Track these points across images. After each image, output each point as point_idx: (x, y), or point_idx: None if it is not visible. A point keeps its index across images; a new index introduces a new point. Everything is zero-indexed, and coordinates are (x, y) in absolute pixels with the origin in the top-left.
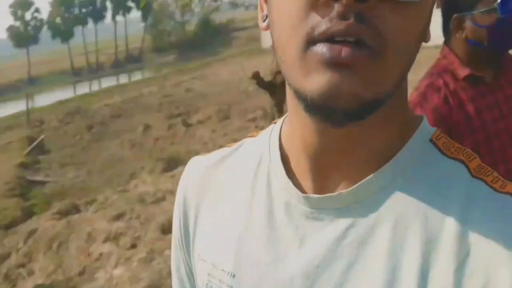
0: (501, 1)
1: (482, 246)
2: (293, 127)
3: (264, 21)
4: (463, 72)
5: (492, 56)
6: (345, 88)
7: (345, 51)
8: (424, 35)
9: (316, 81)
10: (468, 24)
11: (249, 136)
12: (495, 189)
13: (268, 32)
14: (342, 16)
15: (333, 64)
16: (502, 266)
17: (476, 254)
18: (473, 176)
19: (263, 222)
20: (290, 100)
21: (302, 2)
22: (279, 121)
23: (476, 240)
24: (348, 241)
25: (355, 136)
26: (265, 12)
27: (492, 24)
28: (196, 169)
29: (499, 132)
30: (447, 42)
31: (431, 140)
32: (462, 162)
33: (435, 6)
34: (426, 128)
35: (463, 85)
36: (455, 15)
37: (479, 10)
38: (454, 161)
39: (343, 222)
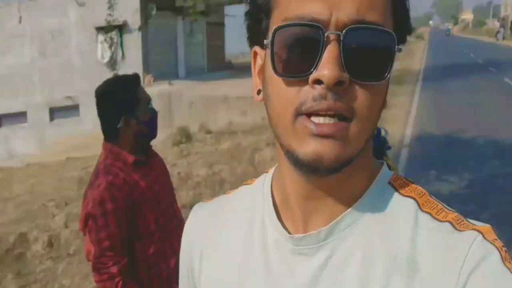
0: (150, 108)
1: (427, 264)
2: (283, 178)
3: (258, 94)
4: (130, 158)
5: (139, 147)
6: (327, 153)
7: (327, 127)
8: (384, 104)
9: (305, 148)
10: (133, 122)
11: (245, 184)
12: (438, 220)
13: None
14: (324, 97)
15: (318, 136)
16: (440, 281)
17: (422, 270)
18: (421, 210)
19: (260, 259)
20: (281, 156)
21: (291, 85)
22: (270, 171)
23: (422, 260)
24: (328, 270)
25: (333, 184)
26: (259, 87)
27: (148, 119)
28: (198, 216)
29: (163, 197)
30: (109, 140)
31: (389, 183)
32: (413, 198)
33: None
34: (385, 173)
35: (133, 168)
36: (123, 117)
37: (140, 111)
38: (407, 198)
39: (323, 254)
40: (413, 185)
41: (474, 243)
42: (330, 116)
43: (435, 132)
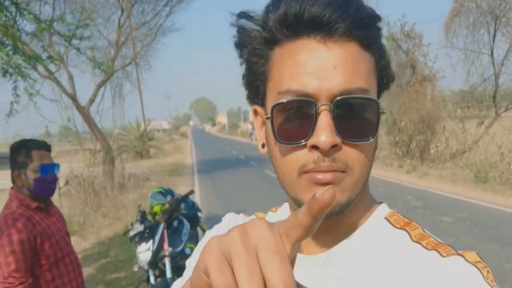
0: (40, 169)
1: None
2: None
3: (263, 147)
4: (34, 204)
5: (39, 197)
6: None
7: (328, 175)
8: (374, 153)
9: (310, 195)
10: (23, 177)
11: (271, 211)
12: (427, 249)
13: None
14: (322, 159)
15: (320, 184)
16: None
17: None
18: (413, 241)
19: None
20: (290, 200)
21: (292, 151)
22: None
23: (413, 283)
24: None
25: (335, 222)
26: (263, 141)
27: (36, 178)
28: (232, 220)
29: (60, 237)
30: (14, 187)
31: (385, 218)
32: (405, 231)
33: None
34: (383, 210)
35: (34, 211)
36: (15, 171)
37: (29, 169)
38: (400, 230)
39: (319, 276)
40: (408, 220)
41: (456, 266)
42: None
43: (220, 213)
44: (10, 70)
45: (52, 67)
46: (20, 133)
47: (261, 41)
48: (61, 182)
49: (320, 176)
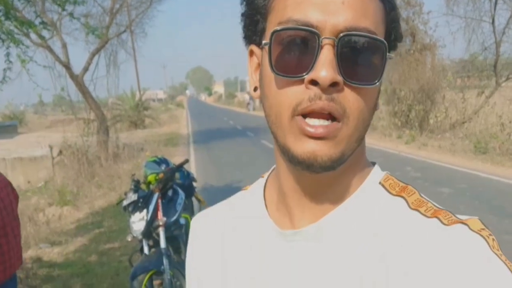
0: None
1: (416, 261)
2: (279, 175)
3: (255, 90)
4: None
5: None
6: (320, 152)
7: (321, 129)
8: (376, 106)
9: (301, 147)
10: None
11: (243, 190)
12: (426, 216)
13: None
14: (319, 97)
15: (311, 137)
16: (429, 277)
17: (412, 268)
18: (411, 208)
19: (255, 255)
20: (278, 154)
21: (288, 86)
22: (265, 175)
23: (411, 257)
24: (316, 266)
25: (327, 180)
26: (256, 84)
27: None
28: (200, 224)
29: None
30: None
31: (380, 183)
32: (403, 198)
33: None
34: (377, 173)
35: None
36: None
37: None
38: (396, 197)
39: (312, 250)
40: (403, 185)
41: (460, 236)
42: (324, 118)
43: (216, 184)
44: (3, 36)
45: (45, 34)
46: (13, 102)
47: None
48: (54, 152)
49: (311, 129)
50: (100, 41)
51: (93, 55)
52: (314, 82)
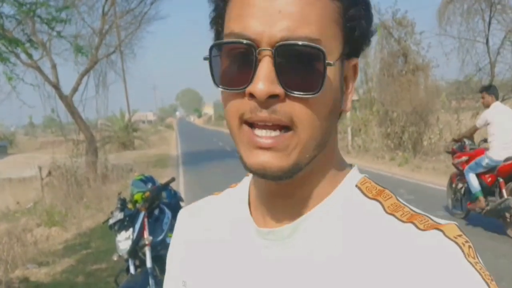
0: None
1: (389, 266)
2: (254, 181)
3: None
4: None
5: None
6: (269, 164)
7: (267, 140)
8: (337, 110)
9: (250, 159)
10: None
11: (230, 187)
12: (402, 221)
13: None
14: (259, 110)
15: (260, 147)
16: (401, 283)
17: (385, 273)
18: (386, 212)
19: (233, 249)
20: None
21: (234, 97)
22: (250, 174)
23: (384, 262)
24: (288, 266)
25: (291, 186)
26: None
27: None
28: (184, 218)
29: None
30: None
31: (356, 186)
32: (378, 201)
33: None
34: (354, 176)
35: None
36: None
37: None
38: (372, 201)
39: (285, 251)
40: (380, 188)
41: (434, 242)
42: (271, 128)
43: None
44: None
45: (35, 55)
46: (4, 123)
47: None
48: (43, 173)
49: (259, 140)
50: (89, 62)
51: (82, 75)
52: (252, 96)
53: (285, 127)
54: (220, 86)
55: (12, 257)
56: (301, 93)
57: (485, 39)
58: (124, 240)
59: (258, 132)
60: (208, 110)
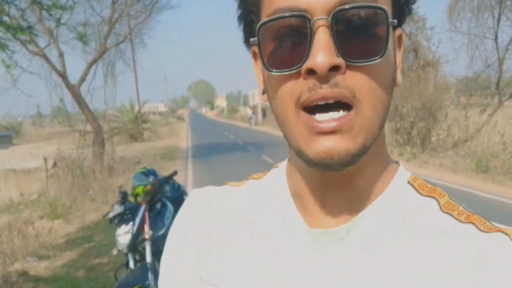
0: None
1: (451, 267)
2: (297, 172)
3: (263, 94)
4: None
5: None
6: (336, 149)
7: (331, 123)
8: (394, 82)
9: (314, 148)
10: None
11: (252, 178)
12: (460, 221)
13: None
14: (320, 86)
15: (322, 133)
16: (465, 285)
17: (446, 274)
18: (442, 211)
19: (278, 253)
20: (293, 154)
21: (287, 81)
22: (281, 166)
23: (446, 263)
24: (346, 269)
25: (349, 175)
26: (263, 88)
27: None
28: (199, 204)
29: None
30: None
31: (408, 182)
32: (434, 198)
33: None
34: (403, 172)
35: None
36: None
37: None
38: (428, 198)
39: (342, 253)
40: (432, 186)
41: (502, 245)
42: (332, 108)
43: None
44: None
45: (42, 42)
46: (11, 113)
47: None
48: (48, 164)
49: (321, 125)
50: (97, 51)
51: (90, 65)
52: (311, 72)
53: (347, 106)
54: (273, 71)
55: (12, 250)
56: (364, 60)
57: (494, 35)
58: (124, 234)
59: (319, 117)
60: (221, 102)
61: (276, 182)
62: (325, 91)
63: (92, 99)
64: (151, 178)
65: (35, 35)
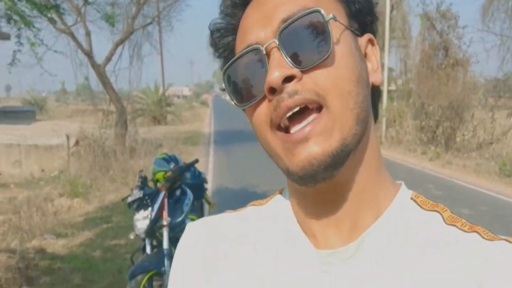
0: None
1: (460, 276)
2: (293, 195)
3: None
4: None
5: None
6: (313, 154)
7: (306, 128)
8: (364, 78)
9: (292, 160)
10: None
11: (253, 205)
12: (464, 231)
13: None
14: (282, 100)
15: (297, 143)
16: None
17: (456, 283)
18: (446, 223)
19: (285, 276)
20: (288, 179)
21: (258, 108)
22: (284, 191)
23: (455, 273)
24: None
25: (341, 186)
26: None
27: None
28: (200, 233)
29: None
30: None
31: (411, 199)
32: (438, 212)
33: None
34: (405, 190)
35: None
36: None
37: None
38: (431, 212)
39: (351, 273)
40: (434, 202)
41: (507, 253)
42: (307, 117)
43: (231, 186)
44: (15, 17)
45: (69, 20)
46: (35, 88)
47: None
48: (71, 142)
49: (297, 135)
50: (124, 32)
51: (117, 45)
52: (272, 90)
53: (320, 109)
54: (244, 104)
55: (30, 226)
56: (315, 62)
57: None
58: (142, 219)
59: (293, 130)
60: None
61: (281, 204)
62: (287, 102)
63: (117, 80)
64: (172, 165)
65: (62, 13)
